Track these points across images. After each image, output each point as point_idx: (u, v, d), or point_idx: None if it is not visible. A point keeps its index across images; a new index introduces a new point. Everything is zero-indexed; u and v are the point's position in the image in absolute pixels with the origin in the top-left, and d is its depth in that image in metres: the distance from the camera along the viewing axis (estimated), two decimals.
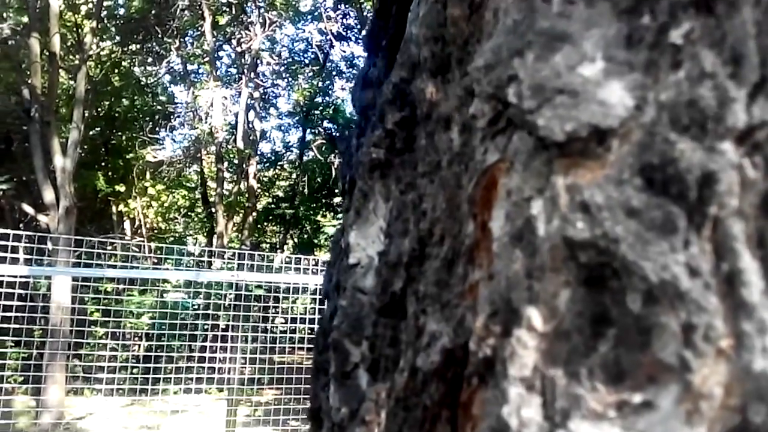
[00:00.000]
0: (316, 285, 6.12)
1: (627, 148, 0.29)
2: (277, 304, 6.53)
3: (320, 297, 6.30)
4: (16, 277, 4.90)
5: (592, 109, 0.29)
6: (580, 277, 0.30)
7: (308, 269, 6.15)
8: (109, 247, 6.27)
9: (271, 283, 6.08)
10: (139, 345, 7.62)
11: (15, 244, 4.86)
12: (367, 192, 0.45)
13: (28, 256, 5.10)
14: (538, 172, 0.31)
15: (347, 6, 14.18)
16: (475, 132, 0.38)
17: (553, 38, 0.30)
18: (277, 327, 6.94)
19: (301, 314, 6.79)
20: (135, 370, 6.26)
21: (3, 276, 4.72)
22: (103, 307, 5.79)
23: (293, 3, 13.58)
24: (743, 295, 0.26)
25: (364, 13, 13.10)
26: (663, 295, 0.27)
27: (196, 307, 6.81)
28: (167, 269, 6.24)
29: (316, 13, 14.11)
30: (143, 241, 10.53)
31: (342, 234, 0.61)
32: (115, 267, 5.51)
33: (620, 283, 0.29)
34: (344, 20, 14.71)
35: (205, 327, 6.76)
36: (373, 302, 0.42)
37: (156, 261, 7.49)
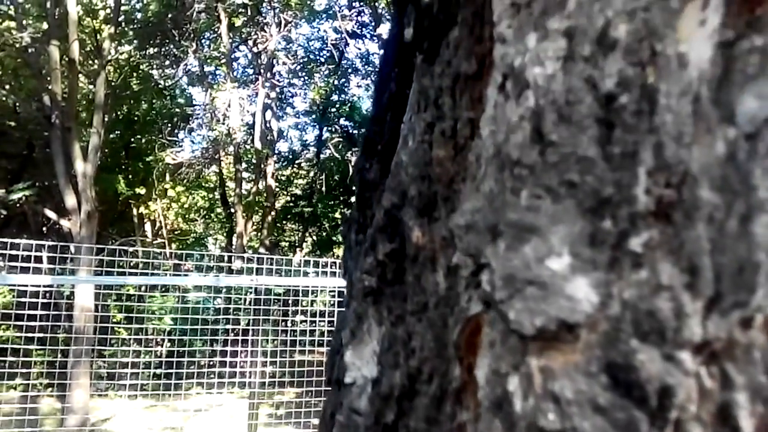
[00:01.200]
0: (335, 287, 6.17)
1: (594, 338, 0.30)
2: (296, 307, 6.58)
3: (338, 298, 6.30)
4: (39, 286, 5.01)
5: (560, 303, 0.30)
6: None
7: (326, 271, 6.19)
8: (131, 251, 6.37)
9: (291, 286, 6.14)
10: (162, 346, 7.75)
11: (38, 254, 4.97)
12: (361, 315, 0.47)
13: (51, 266, 5.21)
14: (514, 349, 0.33)
15: (361, 4, 14.17)
16: (459, 279, 0.39)
17: (522, 230, 0.32)
18: (297, 324, 7.00)
19: (320, 312, 6.85)
20: (158, 371, 6.37)
21: (27, 285, 4.83)
22: (126, 314, 5.89)
23: (308, 2, 13.58)
24: None
25: (379, 11, 13.09)
26: None
27: (217, 307, 6.90)
28: (187, 274, 6.33)
29: (330, 12, 14.12)
30: (164, 243, 10.68)
31: (343, 324, 0.63)
32: (136, 274, 5.59)
33: None
34: (359, 18, 14.70)
35: (226, 327, 6.84)
36: (368, 427, 0.44)
37: (177, 264, 7.60)
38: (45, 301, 5.37)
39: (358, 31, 14.46)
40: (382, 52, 0.54)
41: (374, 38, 14.02)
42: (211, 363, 6.38)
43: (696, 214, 0.28)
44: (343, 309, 0.66)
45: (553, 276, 0.30)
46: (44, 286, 5.16)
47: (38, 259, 5.03)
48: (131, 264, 5.94)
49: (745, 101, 0.26)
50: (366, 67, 15.14)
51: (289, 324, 6.75)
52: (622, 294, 0.29)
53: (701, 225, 0.27)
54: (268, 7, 12.83)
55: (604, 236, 0.30)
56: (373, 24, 13.82)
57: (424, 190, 0.43)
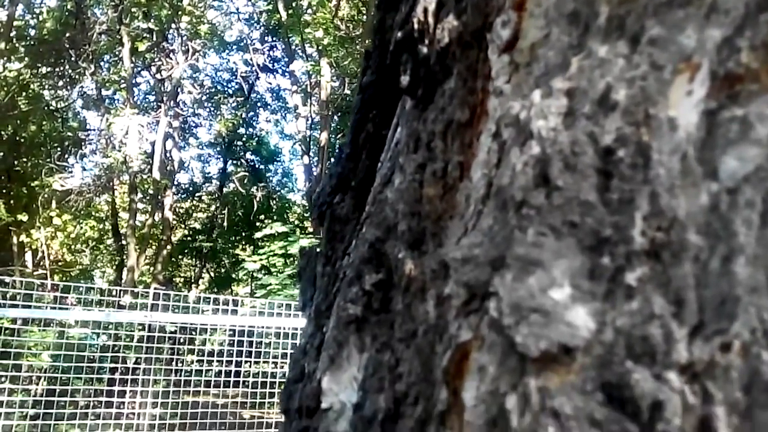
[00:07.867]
0: (234, 326, 5.98)
1: (589, 361, 0.34)
2: (191, 346, 6.30)
3: (238, 337, 6.09)
4: None
5: (561, 329, 0.34)
6: None
7: (227, 309, 6.00)
8: (9, 281, 5.87)
9: (187, 324, 5.88)
10: (38, 385, 7.12)
11: None
12: (342, 342, 0.49)
13: None
14: (513, 370, 0.36)
15: (274, 39, 14.22)
16: (450, 308, 0.42)
17: (528, 263, 0.35)
18: (192, 364, 6.68)
19: (218, 352, 6.59)
20: (32, 412, 5.84)
21: None
22: (2, 349, 5.39)
23: (218, 33, 13.42)
24: None
25: (292, 47, 13.17)
26: None
27: (104, 342, 6.46)
28: (67, 307, 5.90)
29: (242, 44, 14.05)
30: (46, 274, 9.92)
31: (303, 354, 0.64)
32: (16, 306, 5.16)
33: None
34: (271, 52, 14.72)
35: (112, 366, 6.41)
36: None
37: (59, 297, 7.07)
38: None
39: (270, 66, 14.46)
40: (357, 95, 0.58)
41: (286, 74, 14.06)
42: (96, 403, 5.93)
43: (683, 255, 0.32)
44: (301, 339, 0.66)
45: (555, 305, 0.34)
46: None
47: None
48: (8, 295, 5.49)
49: (727, 161, 0.32)
50: (276, 102, 15.10)
51: (181, 363, 6.43)
52: (615, 322, 0.33)
53: (687, 263, 0.32)
54: (175, 34, 12.56)
55: (601, 270, 0.34)
56: (286, 59, 13.86)
57: (414, 226, 0.46)
